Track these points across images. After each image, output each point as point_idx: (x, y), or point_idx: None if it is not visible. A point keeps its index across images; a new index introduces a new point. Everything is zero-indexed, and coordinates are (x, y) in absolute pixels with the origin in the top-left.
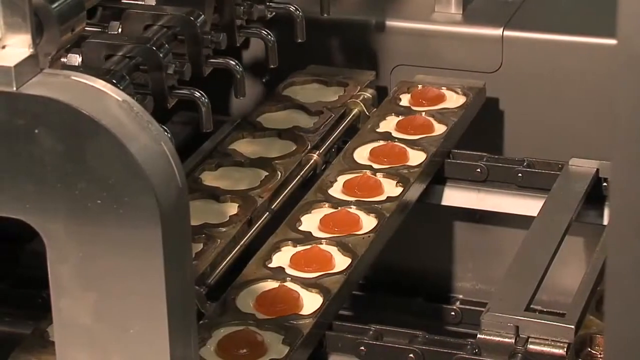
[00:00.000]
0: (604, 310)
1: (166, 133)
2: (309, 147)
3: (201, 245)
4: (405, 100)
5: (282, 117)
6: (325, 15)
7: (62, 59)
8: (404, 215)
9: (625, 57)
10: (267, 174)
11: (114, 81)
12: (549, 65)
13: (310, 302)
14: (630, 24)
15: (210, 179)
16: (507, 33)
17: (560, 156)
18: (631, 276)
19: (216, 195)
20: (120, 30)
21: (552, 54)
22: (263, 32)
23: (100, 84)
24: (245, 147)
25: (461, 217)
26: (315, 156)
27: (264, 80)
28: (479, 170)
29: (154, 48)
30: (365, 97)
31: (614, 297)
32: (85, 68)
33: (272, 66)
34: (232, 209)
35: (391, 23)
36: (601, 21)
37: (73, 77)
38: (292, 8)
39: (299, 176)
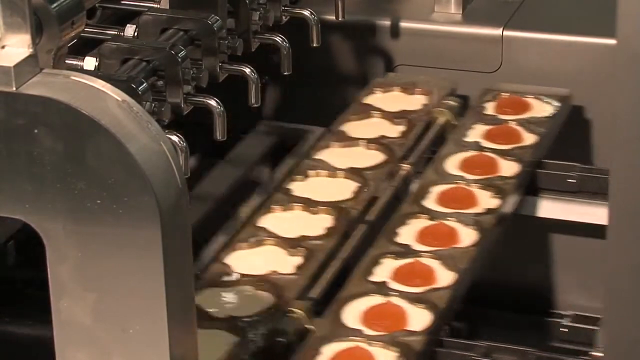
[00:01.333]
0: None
1: (182, 142)
2: (398, 157)
3: (301, 259)
4: (490, 108)
5: (366, 126)
6: (340, 19)
7: (79, 63)
8: (502, 228)
9: (625, 57)
10: (358, 184)
11: (133, 86)
12: (549, 65)
13: (418, 317)
14: (630, 24)
15: (300, 189)
16: (507, 33)
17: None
18: (631, 276)
19: (308, 206)
20: (136, 34)
21: (551, 54)
22: (278, 38)
23: (99, 84)
24: (332, 157)
25: (555, 229)
26: (406, 166)
27: (263, 80)
28: (571, 180)
29: (173, 52)
30: (450, 105)
31: (614, 297)
32: (103, 72)
33: (286, 73)
34: (327, 221)
35: (391, 23)
36: (601, 21)
37: (73, 77)
38: (306, 13)
39: (391, 187)
